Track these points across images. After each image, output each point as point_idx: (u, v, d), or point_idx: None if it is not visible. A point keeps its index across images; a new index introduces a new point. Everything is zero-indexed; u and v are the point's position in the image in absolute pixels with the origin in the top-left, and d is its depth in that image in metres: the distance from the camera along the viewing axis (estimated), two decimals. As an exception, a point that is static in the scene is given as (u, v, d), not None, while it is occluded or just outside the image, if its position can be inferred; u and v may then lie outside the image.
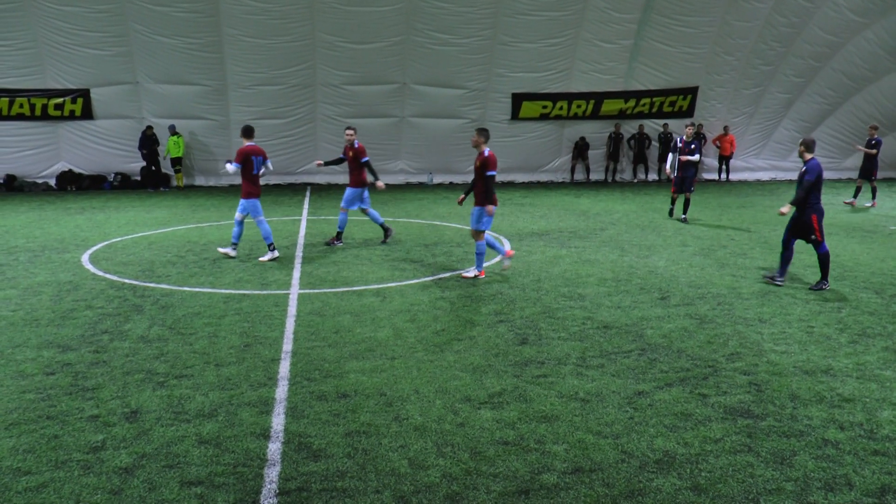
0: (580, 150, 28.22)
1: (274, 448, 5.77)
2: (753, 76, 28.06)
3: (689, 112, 28.30)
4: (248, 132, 13.41)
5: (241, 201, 13.20)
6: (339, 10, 24.13)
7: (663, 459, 5.54)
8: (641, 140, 28.45)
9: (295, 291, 10.83)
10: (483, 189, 11.38)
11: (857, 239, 15.32)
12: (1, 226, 17.33)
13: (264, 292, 10.78)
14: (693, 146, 17.64)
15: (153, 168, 25.70)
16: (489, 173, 11.29)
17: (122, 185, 25.94)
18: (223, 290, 10.88)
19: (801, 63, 28.01)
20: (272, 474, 5.37)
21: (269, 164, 13.64)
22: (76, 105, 25.04)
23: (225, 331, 8.89)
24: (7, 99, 24.55)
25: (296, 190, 25.55)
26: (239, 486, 5.19)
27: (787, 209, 10.98)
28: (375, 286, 11.13)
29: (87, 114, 25.20)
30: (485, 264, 12.07)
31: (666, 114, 28.32)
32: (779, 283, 11.26)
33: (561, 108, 27.49)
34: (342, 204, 14.49)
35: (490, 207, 11.32)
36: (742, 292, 10.70)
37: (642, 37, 26.32)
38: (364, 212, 14.74)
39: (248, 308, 9.91)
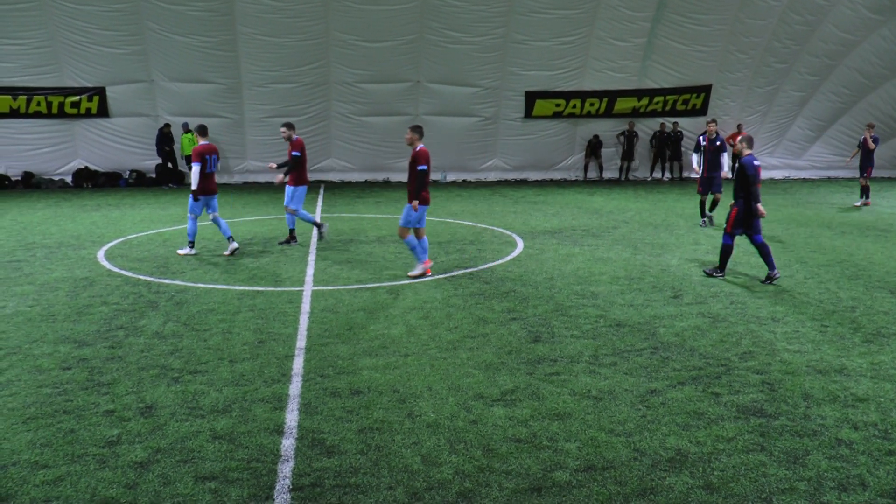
0: (593, 148, 28.18)
1: (287, 444, 5.80)
2: (767, 74, 27.94)
3: (702, 110, 28.24)
4: (202, 131, 13.55)
5: (201, 198, 13.33)
6: (353, 9, 24.19)
7: (676, 458, 5.55)
8: (677, 138, 28.31)
9: (308, 288, 10.88)
10: (414, 185, 11.24)
11: (871, 238, 15.24)
12: (18, 222, 17.47)
13: (278, 289, 10.84)
14: (718, 143, 16.65)
15: (169, 165, 25.84)
16: (420, 168, 11.22)
17: (138, 182, 26.08)
18: (237, 287, 10.94)
19: (815, 61, 27.89)
20: (286, 470, 5.40)
21: (218, 164, 13.93)
22: (92, 103, 25.19)
23: (239, 327, 8.94)
24: (25, 97, 24.74)
25: (309, 187, 25.52)
26: (253, 482, 5.23)
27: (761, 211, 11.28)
28: (388, 283, 11.17)
29: (103, 111, 25.35)
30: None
31: (679, 112, 28.27)
32: (719, 275, 11.70)
33: (574, 107, 27.46)
34: (293, 205, 14.38)
35: (415, 203, 11.13)
36: (755, 291, 10.67)
37: (656, 35, 26.27)
38: (287, 209, 14.51)
39: (261, 305, 9.96)
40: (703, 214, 17.13)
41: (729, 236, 11.53)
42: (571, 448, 5.70)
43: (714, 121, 17.21)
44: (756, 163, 11.27)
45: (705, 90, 27.92)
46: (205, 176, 13.28)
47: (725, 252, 11.60)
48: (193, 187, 13.23)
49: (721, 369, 7.45)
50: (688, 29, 26.24)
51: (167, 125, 25.34)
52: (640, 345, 8.24)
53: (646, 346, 8.18)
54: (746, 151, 11.46)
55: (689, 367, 7.50)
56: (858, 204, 21.05)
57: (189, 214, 13.44)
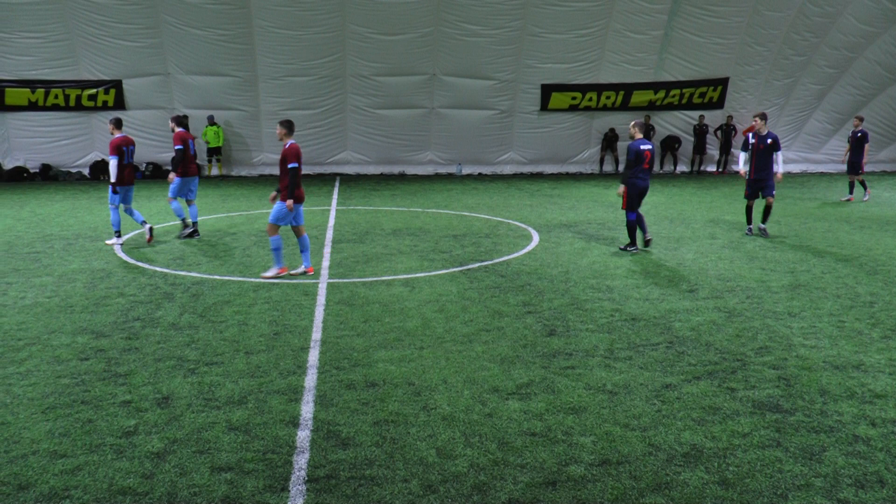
0: (609, 141, 28.09)
1: (303, 435, 5.83)
2: (785, 67, 27.74)
3: (719, 103, 28.12)
4: (118, 123, 14.01)
5: (120, 189, 13.75)
6: (368, 2, 24.20)
7: (691, 453, 5.54)
8: (728, 130, 28.14)
9: (324, 281, 10.92)
10: (285, 183, 10.95)
11: (891, 232, 15.13)
12: (37, 214, 17.61)
13: (293, 281, 10.88)
14: (770, 140, 14.48)
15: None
16: (290, 165, 10.87)
17: (154, 174, 26.22)
18: (253, 279, 10.99)
19: (834, 54, 27.65)
20: (301, 461, 5.42)
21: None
22: (109, 96, 25.36)
23: (255, 319, 8.98)
24: (42, 90, 24.93)
25: (325, 180, 25.68)
26: (268, 473, 5.26)
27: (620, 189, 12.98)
28: (404, 276, 11.19)
29: (120, 104, 25.50)
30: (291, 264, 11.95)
31: (696, 105, 28.15)
32: (632, 250, 13.10)
33: (590, 100, 27.39)
34: (191, 196, 14.78)
35: (289, 202, 10.87)
36: (771, 286, 10.62)
37: (672, 27, 26.14)
38: (178, 200, 14.76)
39: (277, 297, 10.01)
40: (749, 221, 15.05)
41: (631, 213, 13.02)
42: (586, 442, 5.70)
43: (763, 115, 14.81)
44: (643, 147, 12.85)
45: (722, 83, 27.76)
46: (122, 167, 13.66)
47: (632, 227, 13.10)
48: (112, 180, 13.65)
49: (737, 364, 7.42)
50: (705, 21, 26.09)
51: (185, 116, 25.41)
52: (656, 339, 8.22)
53: (661, 341, 8.16)
54: (638, 136, 13.01)
55: (704, 362, 7.48)
56: (845, 199, 20.74)
57: (110, 206, 13.84)
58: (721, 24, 26.19)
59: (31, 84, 24.89)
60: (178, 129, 14.53)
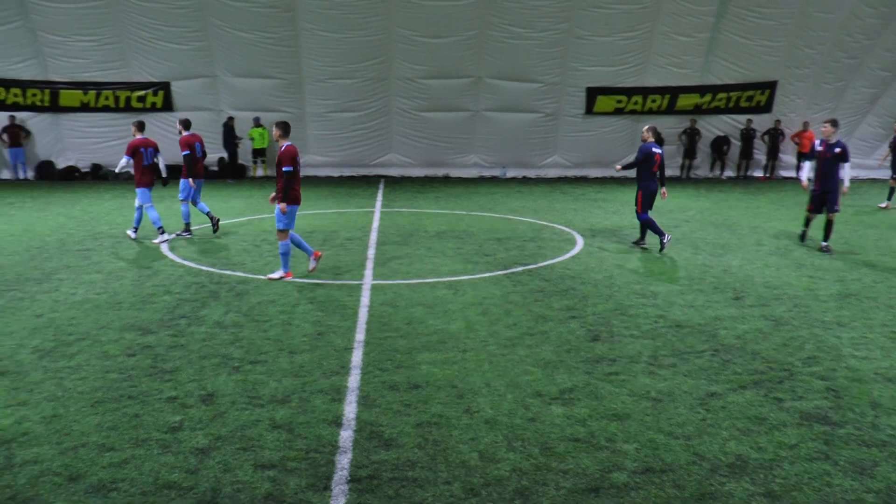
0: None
1: (346, 435, 5.87)
2: (836, 70, 27.20)
3: (766, 107, 27.68)
4: (140, 126, 14.52)
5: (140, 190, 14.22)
6: (414, 5, 24.29)
7: (736, 463, 5.47)
8: (776, 135, 27.75)
9: (368, 282, 10.98)
10: (282, 185, 10.92)
11: (944, 241, 14.77)
12: (87, 212, 17.97)
13: (337, 282, 10.96)
14: (838, 150, 13.35)
15: (232, 159, 26.32)
16: (285, 168, 10.82)
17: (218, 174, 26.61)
18: (297, 280, 11.09)
19: (888, 56, 27.06)
20: (343, 461, 5.46)
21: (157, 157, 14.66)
22: (157, 97, 25.80)
23: (298, 319, 9.07)
24: (94, 92, 25.49)
25: (369, 182, 25.81)
26: (311, 472, 5.30)
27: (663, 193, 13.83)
28: (448, 279, 11.21)
29: (168, 106, 25.94)
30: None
31: (743, 109, 27.73)
32: (642, 245, 14.02)
33: (636, 103, 27.17)
34: (198, 198, 15.15)
35: (282, 206, 10.85)
36: (820, 294, 10.43)
37: (719, 30, 25.82)
38: (193, 203, 15.17)
39: (321, 297, 10.09)
40: (803, 237, 14.25)
41: (643, 214, 13.80)
42: (629, 449, 5.66)
43: (833, 122, 13.56)
44: (654, 150, 13.51)
45: (770, 86, 27.33)
46: (141, 169, 14.14)
47: (645, 225, 13.86)
48: (116, 171, 14.31)
49: (784, 374, 7.31)
50: (752, 23, 25.70)
51: (230, 118, 25.80)
52: (701, 346, 8.13)
53: (706, 348, 8.07)
54: (649, 139, 13.61)
55: (750, 371, 7.38)
56: (883, 206, 20.27)
57: (147, 205, 14.25)
58: (769, 26, 25.79)
59: (83, 86, 25.46)
60: (184, 133, 14.89)
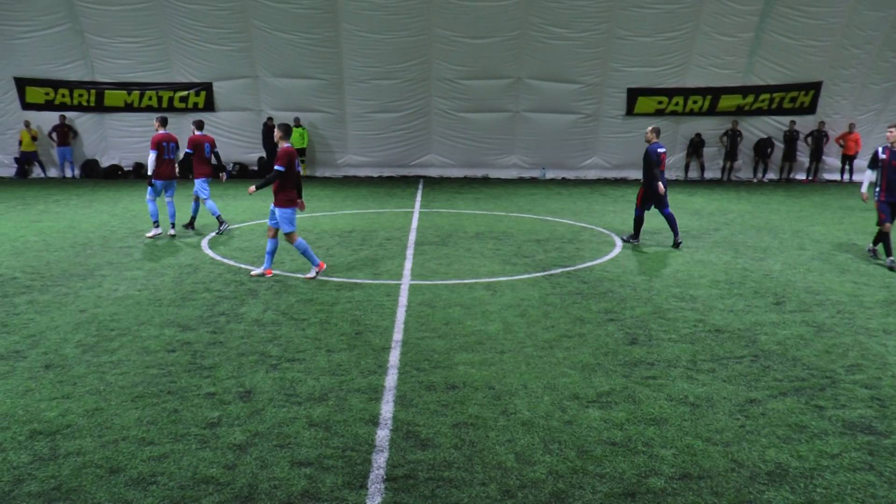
0: (695, 147, 27.53)
1: (382, 435, 5.89)
2: (884, 70, 26.63)
3: (810, 109, 27.22)
4: (163, 122, 15.11)
5: (157, 183, 14.72)
6: (455, 6, 24.32)
7: (775, 471, 5.39)
8: (820, 137, 27.34)
9: (406, 282, 11.01)
10: (275, 187, 11.01)
11: None
12: (130, 210, 18.26)
13: (376, 282, 11.01)
14: None
15: (271, 158, 26.58)
16: (276, 167, 10.85)
17: (240, 174, 26.88)
18: (335, 279, 11.16)
19: (940, 56, 26.45)
20: (380, 460, 5.48)
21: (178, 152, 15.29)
22: (199, 98, 26.15)
23: (336, 318, 9.12)
24: (138, 92, 25.93)
25: (409, 182, 25.89)
26: (347, 470, 5.33)
27: (659, 188, 13.67)
28: (486, 280, 11.20)
29: (210, 106, 26.28)
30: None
31: (786, 110, 27.30)
32: (633, 241, 14.46)
33: (677, 104, 26.91)
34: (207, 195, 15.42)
35: (251, 188, 11.23)
36: (864, 301, 10.24)
37: (763, 29, 25.46)
38: (200, 200, 15.52)
39: (359, 297, 10.14)
40: (888, 252, 12.42)
41: (640, 210, 14.23)
42: (667, 455, 5.61)
43: None
44: (660, 150, 13.79)
45: (815, 87, 26.87)
46: (161, 162, 14.64)
47: (638, 222, 14.34)
48: (149, 173, 14.38)
49: (826, 381, 7.18)
50: (798, 22, 25.28)
51: (270, 119, 26.04)
52: (740, 352, 8.03)
53: (746, 354, 7.97)
54: (654, 140, 13.92)
55: (791, 378, 7.27)
56: None
57: (147, 198, 14.61)
58: (815, 26, 25.34)
59: (127, 86, 25.91)
60: (196, 133, 15.34)
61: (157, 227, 14.71)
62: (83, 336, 8.33)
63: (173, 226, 14.82)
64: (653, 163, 13.73)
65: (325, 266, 11.44)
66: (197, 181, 15.19)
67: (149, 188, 14.60)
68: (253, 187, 11.26)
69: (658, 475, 5.31)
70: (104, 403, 6.44)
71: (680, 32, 25.39)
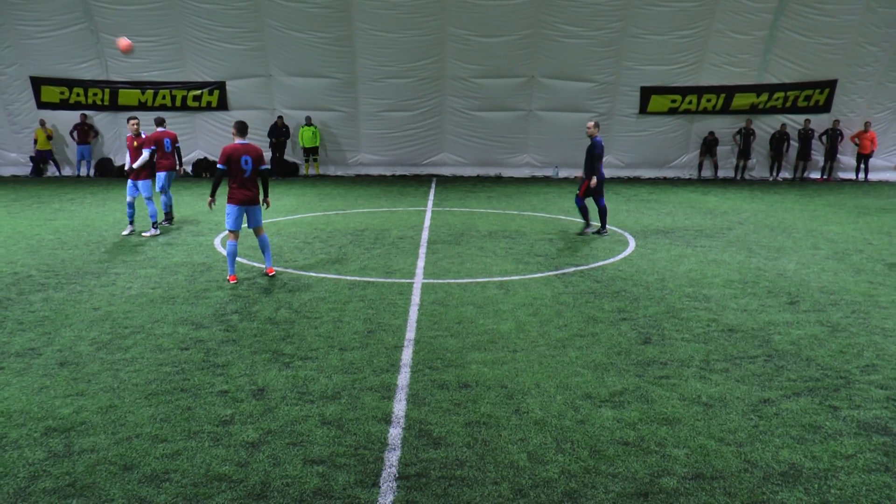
0: (709, 145, 27.42)
1: (395, 433, 5.89)
2: (901, 68, 26.44)
3: (825, 107, 27.06)
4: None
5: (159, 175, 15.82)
6: (469, 4, 24.33)
7: (789, 472, 5.36)
8: (835, 135, 27.11)
9: (419, 281, 11.02)
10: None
11: None
12: (143, 209, 18.33)
13: (388, 280, 11.02)
14: None
15: (278, 156, 26.64)
16: (218, 165, 10.88)
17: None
18: (348, 277, 11.18)
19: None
20: (392, 458, 5.48)
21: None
22: (213, 97, 26.27)
23: (349, 316, 9.13)
24: (152, 91, 26.08)
25: (421, 181, 25.91)
26: (360, 468, 5.34)
27: (593, 181, 14.62)
28: (499, 279, 11.20)
29: (223, 105, 26.41)
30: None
31: (801, 109, 27.13)
32: (587, 232, 15.08)
33: (690, 103, 26.83)
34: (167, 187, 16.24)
35: (209, 201, 11.04)
36: (880, 300, 10.17)
37: (778, 27, 25.32)
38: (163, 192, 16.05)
39: (372, 295, 10.15)
40: None
41: (581, 199, 14.93)
42: (679, 454, 5.59)
43: None
44: (603, 143, 14.62)
45: (830, 85, 26.70)
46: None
47: (583, 210, 15.10)
48: (133, 167, 14.60)
49: (840, 382, 7.14)
50: (813, 20, 25.12)
51: (280, 117, 26.13)
52: (754, 352, 7.99)
53: (759, 354, 7.93)
54: (597, 133, 14.76)
55: (805, 378, 7.23)
56: None
57: (144, 196, 14.82)
58: (830, 23, 25.15)
59: (141, 85, 26.07)
60: (157, 129, 15.98)
61: (155, 227, 14.88)
62: (97, 333, 8.38)
63: (154, 224, 14.86)
64: (596, 156, 14.56)
65: (235, 280, 10.98)
66: (159, 174, 15.87)
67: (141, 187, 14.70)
68: (210, 199, 11.10)
69: (671, 475, 5.29)
70: (118, 401, 6.48)
71: (694, 30, 25.30)
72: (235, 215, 10.95)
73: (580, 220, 17.03)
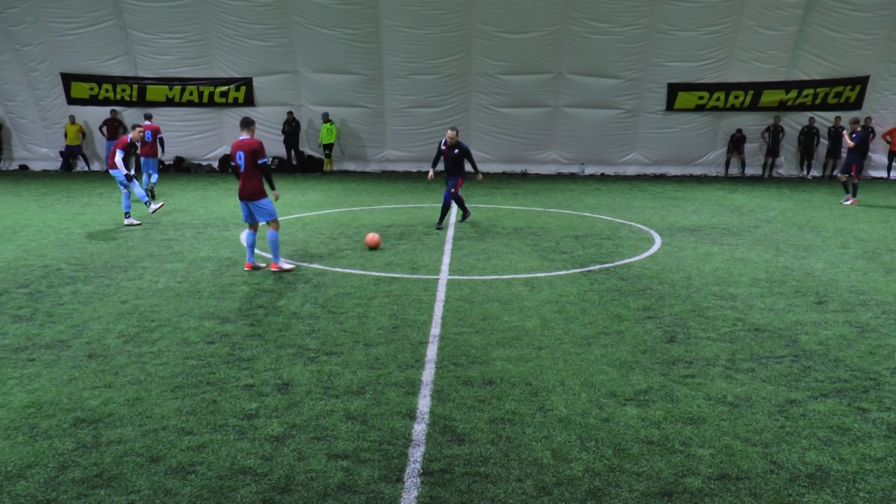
0: (736, 143, 27.17)
1: (419, 429, 5.90)
2: (935, 65, 26.01)
3: (856, 104, 26.67)
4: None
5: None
6: (495, 0, 24.27)
7: (816, 474, 5.29)
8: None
9: (444, 277, 11.02)
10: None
11: None
12: (170, 203, 18.52)
13: (414, 276, 11.03)
14: None
15: (292, 153, 26.75)
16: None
17: (280, 168, 27.10)
18: (373, 273, 11.21)
19: None
20: (416, 454, 5.48)
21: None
22: (239, 93, 26.43)
23: (374, 312, 9.15)
24: (179, 87, 26.29)
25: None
26: (384, 464, 5.35)
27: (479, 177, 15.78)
28: (524, 275, 11.17)
29: (249, 101, 26.57)
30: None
31: (831, 106, 26.77)
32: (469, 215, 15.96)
33: (718, 100, 26.61)
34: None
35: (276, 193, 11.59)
36: (910, 300, 10.02)
37: (808, 23, 25.01)
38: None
39: (397, 291, 10.17)
40: None
41: (450, 195, 15.12)
42: (705, 454, 5.55)
43: None
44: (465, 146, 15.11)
45: (861, 82, 26.32)
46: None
47: (459, 202, 15.52)
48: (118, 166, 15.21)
49: (870, 383, 7.04)
50: (845, 15, 24.77)
51: (289, 113, 26.18)
52: (780, 352, 7.91)
53: (786, 354, 7.84)
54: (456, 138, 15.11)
55: (833, 379, 7.14)
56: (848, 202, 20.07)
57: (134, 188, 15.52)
58: (863, 19, 24.77)
59: (169, 81, 26.30)
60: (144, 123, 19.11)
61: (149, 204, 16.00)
62: (125, 326, 8.47)
63: (127, 215, 15.39)
64: (469, 155, 15.19)
65: (249, 267, 11.52)
66: (142, 158, 19.31)
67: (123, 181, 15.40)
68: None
69: (695, 475, 5.26)
70: (145, 393, 6.54)
71: (722, 26, 25.08)
72: (242, 209, 11.35)
73: (604, 218, 16.97)
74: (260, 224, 11.49)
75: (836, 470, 5.34)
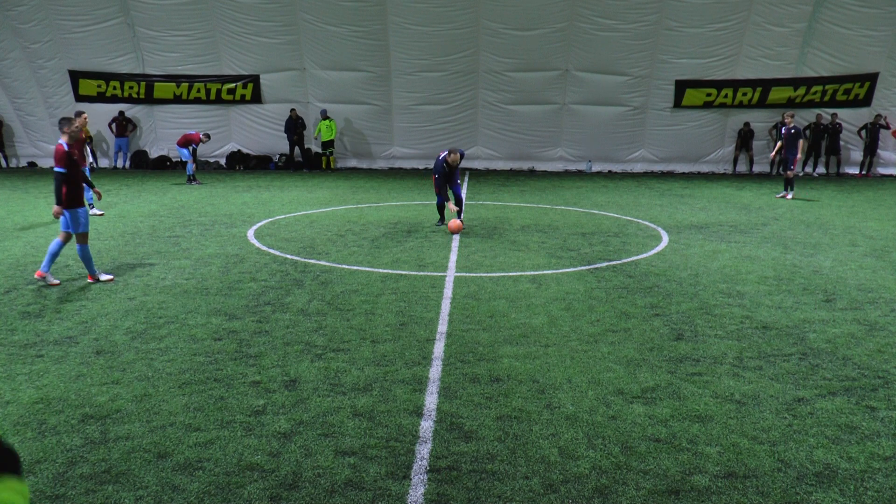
0: (744, 138, 27.06)
1: (426, 426, 5.90)
2: (946, 61, 25.86)
3: (865, 101, 26.56)
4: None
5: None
6: (503, -3, 24.29)
7: (824, 473, 5.27)
8: (875, 130, 26.45)
9: (451, 274, 11.02)
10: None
11: None
12: (178, 200, 18.56)
13: (421, 273, 11.03)
14: None
15: (295, 150, 26.79)
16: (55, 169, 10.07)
17: (287, 165, 27.15)
18: (381, 270, 11.22)
19: None
20: (423, 451, 5.48)
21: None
22: (247, 90, 26.47)
23: (381, 309, 9.16)
24: (187, 84, 26.33)
25: (452, 174, 25.86)
26: (391, 460, 5.35)
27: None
28: (531, 273, 11.16)
29: (257, 98, 26.61)
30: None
31: (840, 103, 26.63)
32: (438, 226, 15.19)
33: (725, 96, 26.53)
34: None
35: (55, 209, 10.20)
36: (919, 298, 9.98)
37: (817, 19, 24.90)
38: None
39: (404, 288, 10.17)
40: None
41: (443, 197, 14.88)
42: (712, 452, 5.53)
43: None
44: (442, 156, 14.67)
45: (870, 79, 26.19)
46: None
47: (459, 202, 14.94)
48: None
49: (878, 381, 7.01)
50: (855, 12, 24.64)
51: (293, 110, 26.20)
52: (788, 350, 7.88)
53: (794, 352, 7.82)
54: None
55: (841, 377, 7.11)
56: (781, 196, 20.55)
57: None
58: (873, 15, 24.64)
59: (176, 79, 26.33)
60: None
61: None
62: (132, 323, 8.49)
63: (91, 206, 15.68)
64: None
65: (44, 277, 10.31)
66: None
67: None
68: (56, 207, 10.25)
69: (702, 473, 5.24)
70: (152, 389, 6.56)
71: (730, 23, 25.01)
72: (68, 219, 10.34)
73: (612, 215, 16.95)
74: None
75: (844, 468, 5.32)
